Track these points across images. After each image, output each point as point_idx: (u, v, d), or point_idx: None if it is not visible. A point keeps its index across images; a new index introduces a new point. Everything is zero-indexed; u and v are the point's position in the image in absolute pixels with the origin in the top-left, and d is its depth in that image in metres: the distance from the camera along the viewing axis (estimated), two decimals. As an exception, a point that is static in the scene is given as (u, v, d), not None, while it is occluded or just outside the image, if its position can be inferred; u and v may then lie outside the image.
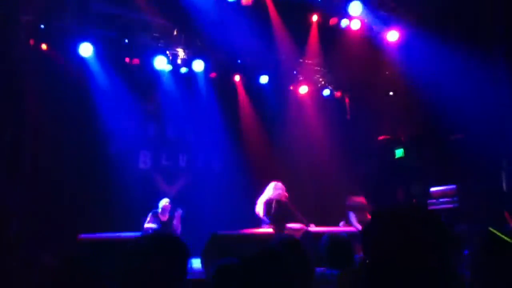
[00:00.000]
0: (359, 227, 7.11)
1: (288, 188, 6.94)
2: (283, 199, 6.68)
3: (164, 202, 7.27)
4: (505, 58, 7.22)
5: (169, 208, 7.27)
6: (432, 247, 1.13)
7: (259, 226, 6.73)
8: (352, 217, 7.30)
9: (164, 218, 7.23)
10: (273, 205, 6.54)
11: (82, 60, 7.70)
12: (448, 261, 1.16)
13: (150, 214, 7.13)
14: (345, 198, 7.65)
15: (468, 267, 1.75)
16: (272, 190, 6.77)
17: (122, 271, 1.34)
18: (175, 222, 7.20)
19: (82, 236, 5.74)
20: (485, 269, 1.45)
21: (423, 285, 1.09)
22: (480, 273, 1.44)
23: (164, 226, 7.11)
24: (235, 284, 1.99)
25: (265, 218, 6.62)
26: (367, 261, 1.19)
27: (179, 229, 7.16)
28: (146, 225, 7.00)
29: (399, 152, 9.54)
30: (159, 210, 7.19)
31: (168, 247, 1.36)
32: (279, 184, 6.84)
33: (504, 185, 6.91)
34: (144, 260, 1.30)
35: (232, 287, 2.10)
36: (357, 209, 7.31)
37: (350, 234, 4.84)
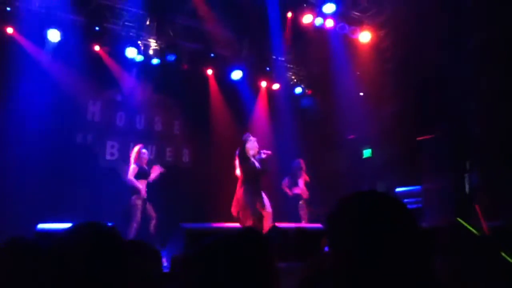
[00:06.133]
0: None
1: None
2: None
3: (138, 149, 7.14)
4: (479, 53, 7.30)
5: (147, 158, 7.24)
6: (404, 237, 1.10)
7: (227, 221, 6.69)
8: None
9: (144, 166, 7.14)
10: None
11: (49, 45, 7.45)
12: (420, 254, 1.13)
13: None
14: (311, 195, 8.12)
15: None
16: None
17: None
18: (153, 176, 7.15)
19: (42, 227, 5.52)
20: (453, 262, 1.45)
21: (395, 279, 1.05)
22: (448, 265, 1.44)
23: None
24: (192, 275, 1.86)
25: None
26: (331, 251, 1.14)
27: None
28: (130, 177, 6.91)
29: (367, 153, 9.67)
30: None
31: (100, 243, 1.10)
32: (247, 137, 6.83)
33: (466, 186, 7.09)
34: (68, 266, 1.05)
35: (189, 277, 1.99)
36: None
37: (317, 230, 4.88)
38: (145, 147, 8.91)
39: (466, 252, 1.45)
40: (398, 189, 7.71)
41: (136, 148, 7.19)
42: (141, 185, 6.97)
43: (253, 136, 6.67)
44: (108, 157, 8.54)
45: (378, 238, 1.03)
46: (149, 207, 7.02)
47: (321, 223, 5.96)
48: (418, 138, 7.98)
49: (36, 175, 7.06)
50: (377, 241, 1.03)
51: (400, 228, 1.06)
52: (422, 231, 1.24)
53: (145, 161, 7.21)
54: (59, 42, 7.42)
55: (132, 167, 6.97)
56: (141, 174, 7.04)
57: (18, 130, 7.11)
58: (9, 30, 7.18)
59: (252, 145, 6.46)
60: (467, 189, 6.97)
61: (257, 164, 6.42)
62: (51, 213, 6.55)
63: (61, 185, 7.30)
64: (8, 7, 7.03)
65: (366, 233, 1.03)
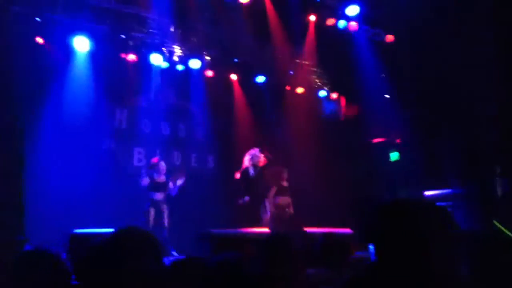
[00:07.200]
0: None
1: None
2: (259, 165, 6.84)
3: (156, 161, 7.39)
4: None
5: (164, 169, 7.36)
6: (443, 245, 1.08)
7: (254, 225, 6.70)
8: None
9: (161, 179, 7.30)
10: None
11: (78, 54, 7.61)
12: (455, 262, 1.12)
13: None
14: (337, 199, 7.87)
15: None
16: (246, 160, 6.94)
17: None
18: (171, 185, 7.29)
19: (76, 231, 5.61)
20: (487, 267, 1.41)
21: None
22: (481, 270, 1.40)
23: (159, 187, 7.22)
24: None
25: None
26: (377, 262, 1.14)
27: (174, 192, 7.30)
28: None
29: (394, 156, 9.51)
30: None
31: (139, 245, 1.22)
32: (252, 152, 6.97)
33: (498, 191, 6.90)
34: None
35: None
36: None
37: (346, 235, 4.82)
38: (170, 154, 9.08)
39: (502, 258, 1.40)
40: (427, 193, 7.55)
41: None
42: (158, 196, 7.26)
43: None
44: (135, 163, 8.66)
45: (423, 245, 1.02)
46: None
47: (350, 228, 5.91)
48: (440, 141, 7.84)
49: (66, 182, 7.20)
50: (422, 247, 1.02)
51: (446, 235, 1.04)
52: (461, 236, 1.24)
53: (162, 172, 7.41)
54: (87, 51, 7.57)
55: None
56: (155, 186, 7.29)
57: (47, 138, 7.26)
58: (39, 40, 7.34)
59: (253, 162, 7.07)
60: (499, 194, 6.79)
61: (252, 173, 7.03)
62: (80, 218, 6.68)
63: (90, 191, 7.41)
64: (38, 17, 7.19)
65: (412, 241, 1.02)
